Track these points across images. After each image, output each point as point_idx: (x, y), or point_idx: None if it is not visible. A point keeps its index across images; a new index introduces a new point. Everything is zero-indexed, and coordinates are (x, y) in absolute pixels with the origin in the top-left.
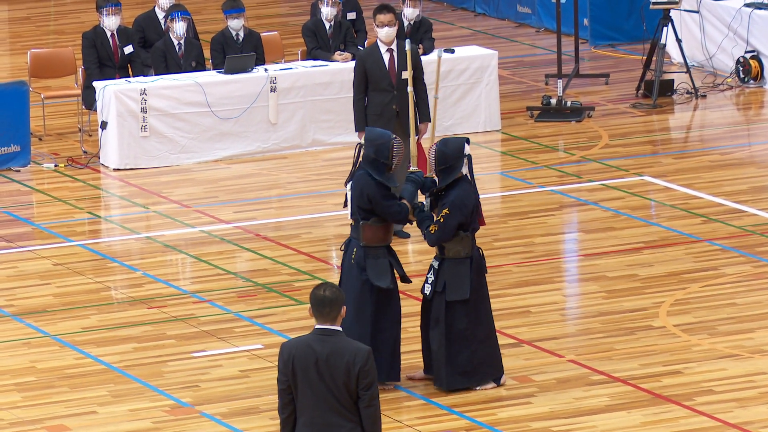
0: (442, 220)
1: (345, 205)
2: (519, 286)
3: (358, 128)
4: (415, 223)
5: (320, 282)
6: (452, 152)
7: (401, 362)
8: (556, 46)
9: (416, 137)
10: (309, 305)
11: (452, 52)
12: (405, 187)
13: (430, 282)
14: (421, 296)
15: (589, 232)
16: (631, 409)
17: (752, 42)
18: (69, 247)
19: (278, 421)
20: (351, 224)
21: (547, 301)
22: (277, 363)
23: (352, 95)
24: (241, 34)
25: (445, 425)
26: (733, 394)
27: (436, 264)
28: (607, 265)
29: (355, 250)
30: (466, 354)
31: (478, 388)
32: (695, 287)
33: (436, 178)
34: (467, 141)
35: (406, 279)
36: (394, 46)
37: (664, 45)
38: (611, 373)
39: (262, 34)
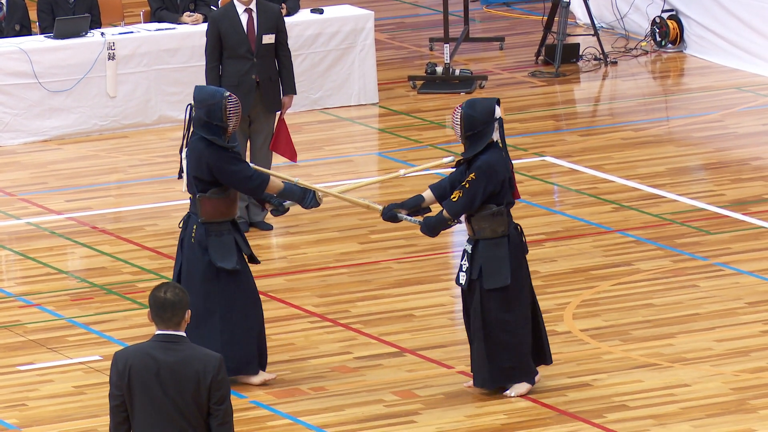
0: (467, 185)
1: (180, 176)
2: (400, 285)
3: None
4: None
5: (163, 281)
6: (481, 116)
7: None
8: (441, 6)
9: (277, 112)
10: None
11: (321, 12)
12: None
13: (464, 269)
14: None
15: None
16: (533, 428)
17: (670, 0)
18: None
19: None
20: (190, 198)
21: (433, 303)
22: None
23: (204, 63)
24: None
25: None
26: (650, 409)
27: (469, 248)
28: None
29: (195, 227)
30: (508, 348)
31: (513, 394)
32: (605, 286)
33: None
34: (498, 102)
35: (254, 259)
36: (253, 6)
37: (568, 3)
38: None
39: None
